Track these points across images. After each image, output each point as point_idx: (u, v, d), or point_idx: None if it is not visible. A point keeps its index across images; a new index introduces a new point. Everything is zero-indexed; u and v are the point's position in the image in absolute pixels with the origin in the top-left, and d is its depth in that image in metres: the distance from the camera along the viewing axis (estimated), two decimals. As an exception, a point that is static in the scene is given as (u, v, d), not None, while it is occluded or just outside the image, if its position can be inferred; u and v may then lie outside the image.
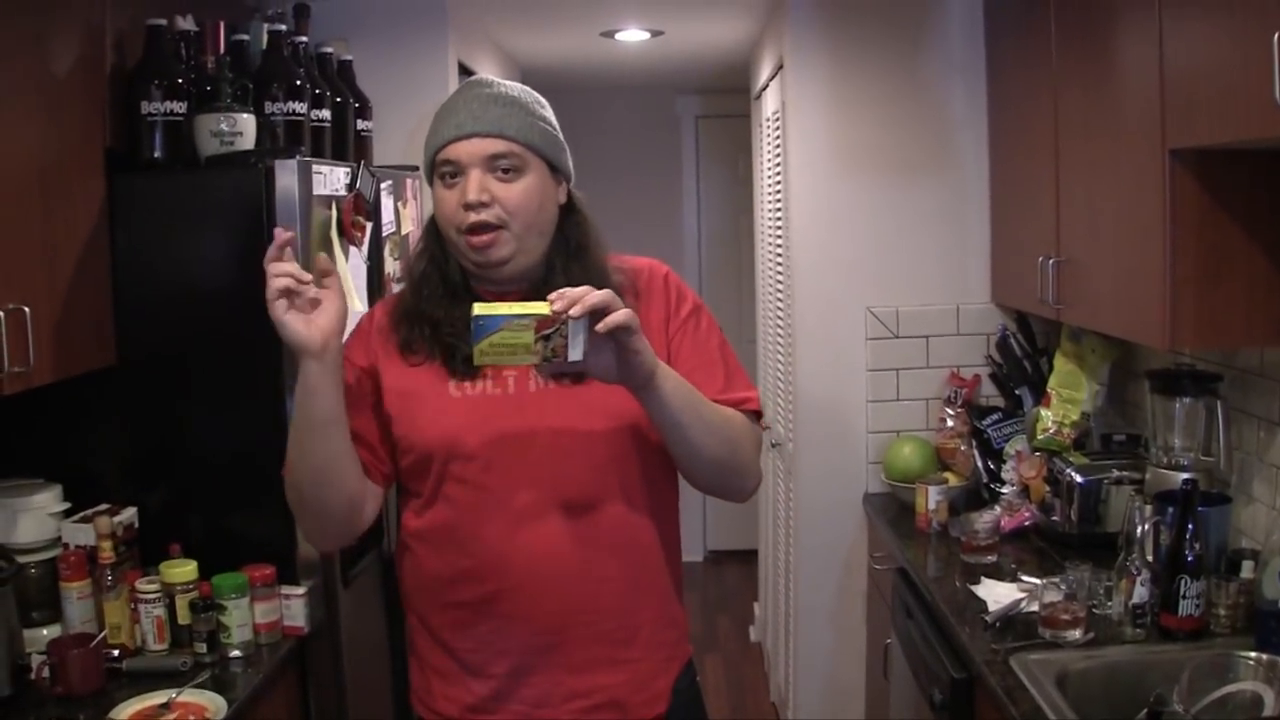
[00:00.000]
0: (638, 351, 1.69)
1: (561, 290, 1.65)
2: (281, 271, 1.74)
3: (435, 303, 1.92)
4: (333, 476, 1.88)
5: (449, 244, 1.92)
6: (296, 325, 1.75)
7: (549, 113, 1.96)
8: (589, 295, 1.64)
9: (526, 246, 1.89)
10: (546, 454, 1.87)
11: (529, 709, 1.92)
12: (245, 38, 2.90)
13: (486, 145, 1.86)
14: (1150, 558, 2.51)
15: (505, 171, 1.86)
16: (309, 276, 1.77)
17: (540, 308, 1.63)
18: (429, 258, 1.97)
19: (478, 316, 1.64)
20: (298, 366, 1.80)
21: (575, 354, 1.64)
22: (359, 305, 2.84)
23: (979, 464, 3.57)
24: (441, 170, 1.88)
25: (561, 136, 1.96)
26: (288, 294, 1.74)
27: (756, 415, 1.98)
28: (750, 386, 2.00)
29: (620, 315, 1.65)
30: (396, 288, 2.83)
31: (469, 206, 1.84)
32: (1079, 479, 3.01)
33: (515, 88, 1.94)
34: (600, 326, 1.64)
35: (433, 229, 1.97)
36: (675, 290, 2.00)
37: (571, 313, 1.62)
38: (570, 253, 1.95)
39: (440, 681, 1.99)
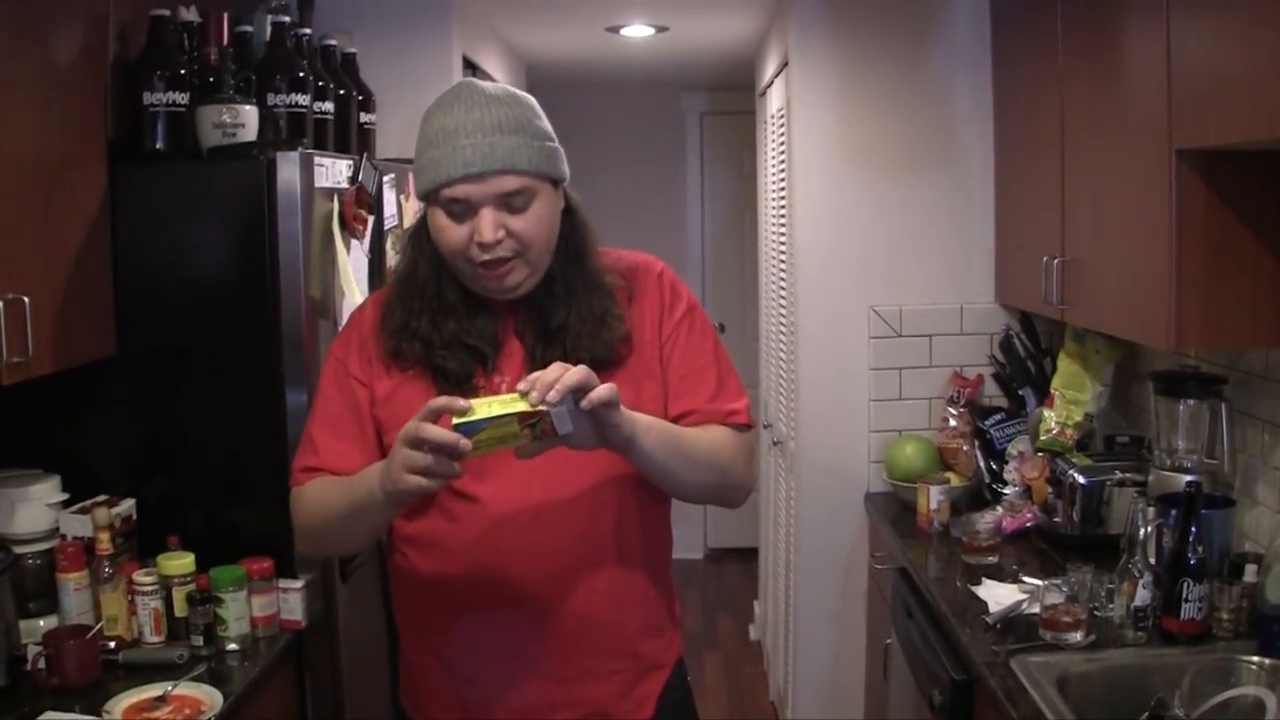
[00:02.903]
0: (617, 425, 1.68)
1: (533, 377, 1.62)
2: (448, 464, 1.62)
3: (426, 320, 1.88)
4: (359, 541, 1.97)
5: (451, 266, 1.87)
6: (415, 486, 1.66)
7: (545, 121, 1.88)
8: (565, 377, 1.61)
9: (540, 267, 1.87)
10: (538, 465, 1.83)
11: (516, 718, 1.91)
12: (248, 29, 2.89)
13: (501, 184, 1.79)
14: (1152, 560, 2.50)
15: (516, 206, 1.81)
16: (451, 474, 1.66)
17: (518, 404, 1.60)
18: (419, 269, 1.92)
19: (458, 425, 1.60)
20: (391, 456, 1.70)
21: (565, 428, 1.63)
22: (359, 299, 2.83)
23: (981, 464, 3.56)
24: (448, 206, 1.81)
25: (556, 139, 1.90)
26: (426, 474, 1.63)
27: (746, 426, 1.96)
28: (741, 394, 1.97)
29: (603, 391, 1.64)
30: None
31: (485, 247, 1.79)
32: (1081, 480, 3.00)
33: (514, 102, 1.85)
34: (585, 404, 1.63)
35: (424, 239, 1.91)
36: (670, 289, 1.98)
37: (549, 398, 1.59)
38: (570, 259, 1.92)
39: (428, 685, 1.98)
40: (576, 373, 1.62)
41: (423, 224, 1.93)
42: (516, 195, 1.80)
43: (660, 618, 2.00)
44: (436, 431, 1.59)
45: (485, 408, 1.61)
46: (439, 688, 1.96)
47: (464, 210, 1.80)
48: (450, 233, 1.82)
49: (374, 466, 1.77)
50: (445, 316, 1.87)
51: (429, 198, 1.85)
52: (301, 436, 2.00)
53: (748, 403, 1.98)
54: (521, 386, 1.61)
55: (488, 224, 1.78)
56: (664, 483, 1.86)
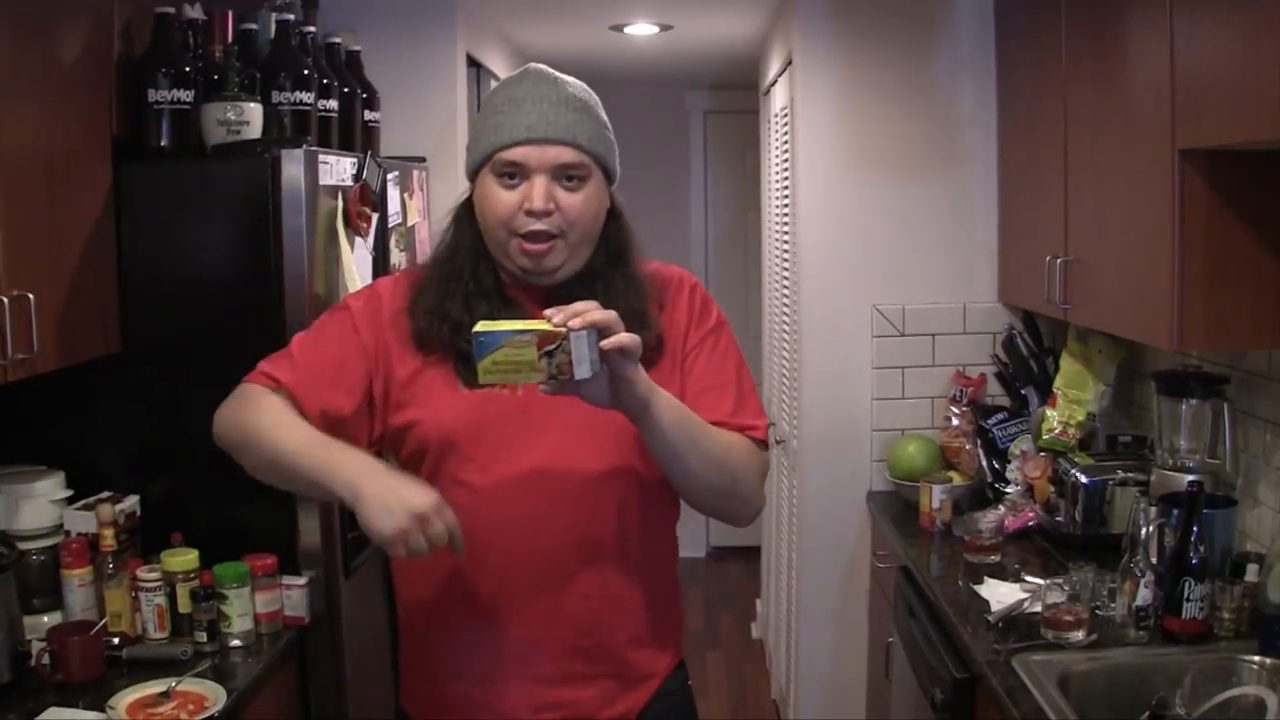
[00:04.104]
0: (631, 381, 1.66)
1: (561, 306, 1.62)
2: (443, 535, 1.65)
3: (460, 303, 1.87)
4: (270, 481, 1.86)
5: (491, 242, 1.87)
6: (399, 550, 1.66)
7: (605, 115, 1.92)
8: (591, 310, 1.61)
9: (577, 255, 1.87)
10: (543, 461, 1.84)
11: (498, 717, 1.90)
12: (253, 27, 2.90)
13: (559, 154, 1.81)
14: (1154, 560, 2.50)
15: (569, 180, 1.83)
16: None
17: (542, 324, 1.60)
18: (459, 251, 1.91)
19: (479, 333, 1.61)
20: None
21: (582, 371, 1.60)
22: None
23: (983, 463, 3.56)
24: (501, 169, 1.82)
25: (614, 138, 1.92)
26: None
27: (762, 444, 1.93)
28: (760, 414, 1.95)
29: (623, 337, 1.63)
30: (406, 268, 2.80)
31: (533, 214, 1.80)
32: (1084, 480, 3.00)
33: (580, 88, 1.89)
34: (605, 344, 1.61)
35: (467, 221, 1.91)
36: (700, 303, 1.98)
37: (571, 324, 1.59)
38: (611, 258, 1.92)
39: (420, 680, 1.98)
40: (605, 312, 1.62)
41: (464, 208, 1.93)
42: (571, 169, 1.82)
43: (654, 629, 1.97)
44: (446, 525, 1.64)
45: (510, 324, 1.62)
46: (430, 684, 1.96)
47: (517, 177, 1.82)
48: (499, 200, 1.83)
49: (351, 455, 1.73)
50: (479, 301, 1.86)
51: (483, 165, 1.85)
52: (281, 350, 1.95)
53: (767, 424, 1.96)
54: (549, 311, 1.61)
55: (539, 190, 1.80)
56: (674, 470, 1.81)
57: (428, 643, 1.95)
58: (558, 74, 1.90)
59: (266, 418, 1.83)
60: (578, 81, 1.91)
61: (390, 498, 1.63)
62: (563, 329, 1.59)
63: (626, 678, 1.94)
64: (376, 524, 1.62)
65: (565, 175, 1.82)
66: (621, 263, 1.92)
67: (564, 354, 1.59)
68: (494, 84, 3.12)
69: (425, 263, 2.02)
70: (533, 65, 1.91)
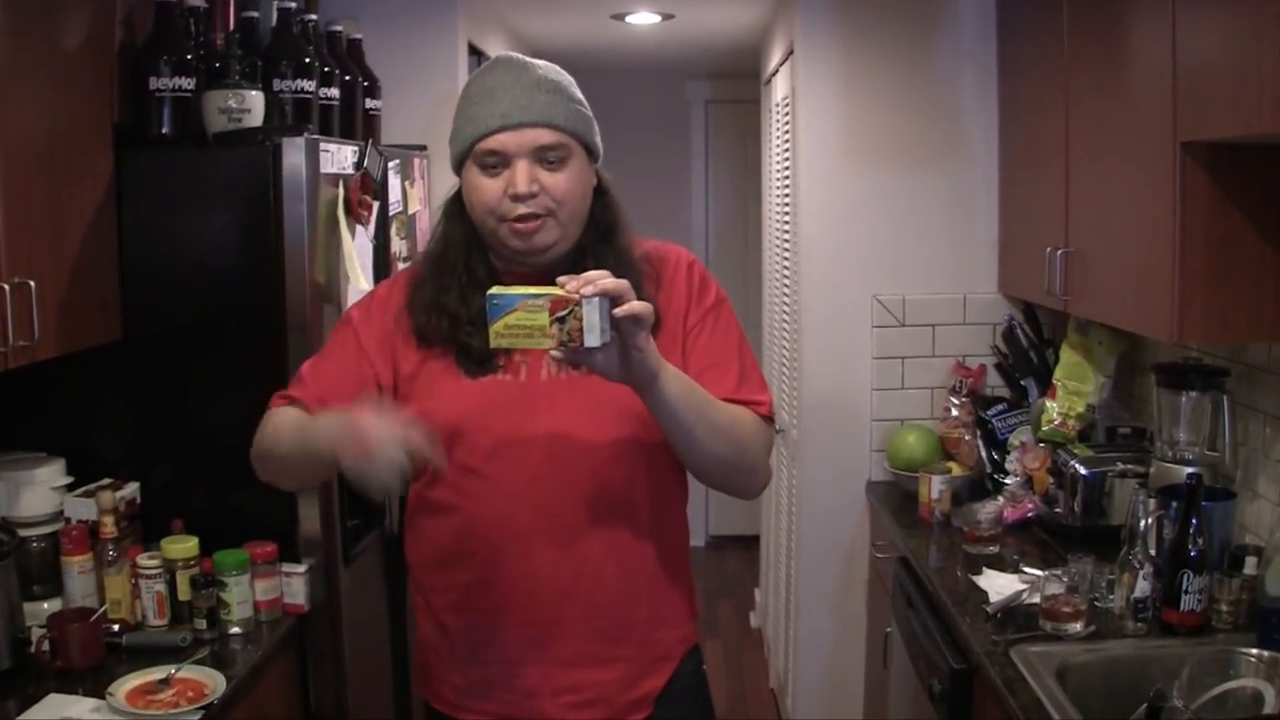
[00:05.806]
0: (641, 349, 1.67)
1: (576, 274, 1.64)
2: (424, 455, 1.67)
3: (455, 295, 1.89)
4: (297, 480, 2.05)
5: (483, 231, 1.89)
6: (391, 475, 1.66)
7: (580, 93, 1.93)
8: (603, 278, 1.62)
9: (568, 233, 1.88)
10: (550, 446, 1.86)
11: (519, 699, 1.92)
12: (255, 15, 2.89)
13: (536, 136, 1.83)
14: (1153, 552, 2.50)
15: (550, 160, 1.84)
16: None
17: (555, 289, 1.62)
18: (451, 244, 1.93)
19: (493, 296, 1.63)
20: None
21: (592, 339, 1.61)
22: (364, 284, 2.83)
23: (983, 454, 3.56)
24: (483, 159, 1.84)
25: (591, 114, 1.94)
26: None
27: (767, 419, 1.95)
28: (764, 389, 1.96)
29: (636, 305, 1.63)
30: (403, 267, 2.81)
31: (518, 198, 1.81)
32: (1083, 471, 3.01)
33: (552, 70, 1.91)
34: (617, 311, 1.62)
35: (456, 215, 1.94)
36: (699, 281, 1.98)
37: (583, 291, 1.60)
38: (600, 235, 1.93)
39: (438, 663, 2.00)
40: (618, 280, 1.63)
41: (454, 202, 1.95)
42: (551, 150, 1.83)
43: (671, 607, 2.00)
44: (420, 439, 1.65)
45: (523, 289, 1.63)
46: (448, 668, 1.98)
47: (499, 164, 1.83)
48: (484, 189, 1.84)
49: (326, 417, 1.77)
50: (474, 292, 1.86)
51: (465, 158, 1.87)
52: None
53: (771, 399, 1.97)
54: (562, 279, 1.63)
55: (522, 174, 1.81)
56: (681, 443, 1.82)
57: (446, 628, 1.97)
58: (527, 59, 1.91)
59: (269, 427, 1.92)
60: (549, 64, 1.92)
61: (350, 431, 1.65)
62: (575, 295, 1.60)
63: (645, 659, 1.96)
64: (345, 461, 1.64)
65: (546, 156, 1.84)
66: (611, 240, 1.94)
67: (575, 320, 1.61)
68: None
69: (419, 259, 2.03)
70: (502, 54, 1.93)
